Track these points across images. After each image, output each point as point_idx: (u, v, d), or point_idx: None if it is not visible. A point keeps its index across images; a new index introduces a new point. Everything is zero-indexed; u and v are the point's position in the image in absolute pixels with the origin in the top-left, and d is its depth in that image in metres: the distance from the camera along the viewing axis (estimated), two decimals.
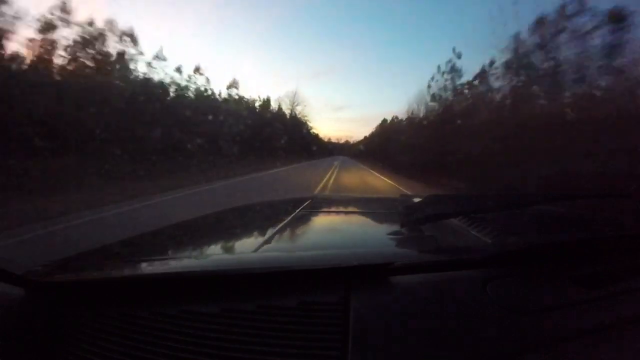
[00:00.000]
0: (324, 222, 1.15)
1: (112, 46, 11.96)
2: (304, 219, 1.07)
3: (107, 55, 11.69)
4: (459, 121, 13.92)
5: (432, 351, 0.39)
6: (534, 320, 0.44)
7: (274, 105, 33.36)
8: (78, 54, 10.29)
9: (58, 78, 8.67)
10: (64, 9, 9.79)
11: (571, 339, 0.42)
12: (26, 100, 6.83)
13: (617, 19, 7.27)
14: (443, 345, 0.40)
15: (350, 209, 1.45)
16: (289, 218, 0.99)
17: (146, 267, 0.61)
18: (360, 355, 0.39)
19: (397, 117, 35.63)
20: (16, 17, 8.27)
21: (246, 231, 1.00)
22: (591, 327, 0.45)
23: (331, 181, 11.22)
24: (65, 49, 10.03)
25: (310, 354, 0.40)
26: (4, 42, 7.91)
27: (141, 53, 13.40)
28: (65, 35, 10.06)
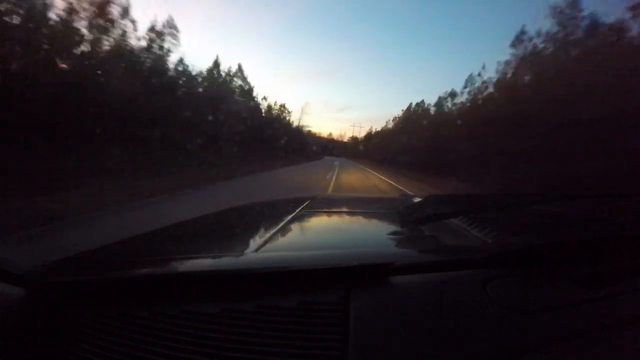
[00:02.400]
0: (324, 222, 1.15)
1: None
2: (304, 219, 1.06)
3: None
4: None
5: (432, 351, 0.39)
6: (534, 320, 0.44)
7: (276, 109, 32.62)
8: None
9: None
10: None
11: (571, 339, 0.42)
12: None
13: None
14: (443, 345, 0.40)
15: (350, 209, 1.44)
16: (289, 218, 0.99)
17: (146, 267, 0.61)
18: (360, 355, 0.39)
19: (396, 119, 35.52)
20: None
21: (246, 231, 1.00)
22: (591, 327, 0.45)
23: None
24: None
25: (310, 354, 0.40)
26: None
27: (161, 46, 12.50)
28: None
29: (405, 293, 0.48)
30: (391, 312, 0.44)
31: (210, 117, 14.89)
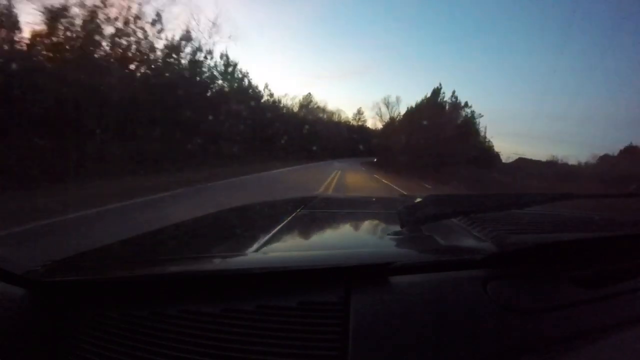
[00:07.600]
0: (324, 222, 1.15)
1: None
2: (304, 219, 1.06)
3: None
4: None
5: (432, 351, 0.39)
6: (534, 320, 0.44)
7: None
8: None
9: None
10: None
11: (571, 339, 0.42)
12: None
13: None
14: (443, 345, 0.40)
15: (350, 209, 1.44)
16: (289, 218, 0.99)
17: (146, 267, 0.61)
18: (360, 355, 0.39)
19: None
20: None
21: (246, 231, 1.00)
22: (591, 327, 0.45)
23: None
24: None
25: (310, 354, 0.40)
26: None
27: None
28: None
29: (405, 293, 0.48)
30: (391, 312, 0.44)
31: None
